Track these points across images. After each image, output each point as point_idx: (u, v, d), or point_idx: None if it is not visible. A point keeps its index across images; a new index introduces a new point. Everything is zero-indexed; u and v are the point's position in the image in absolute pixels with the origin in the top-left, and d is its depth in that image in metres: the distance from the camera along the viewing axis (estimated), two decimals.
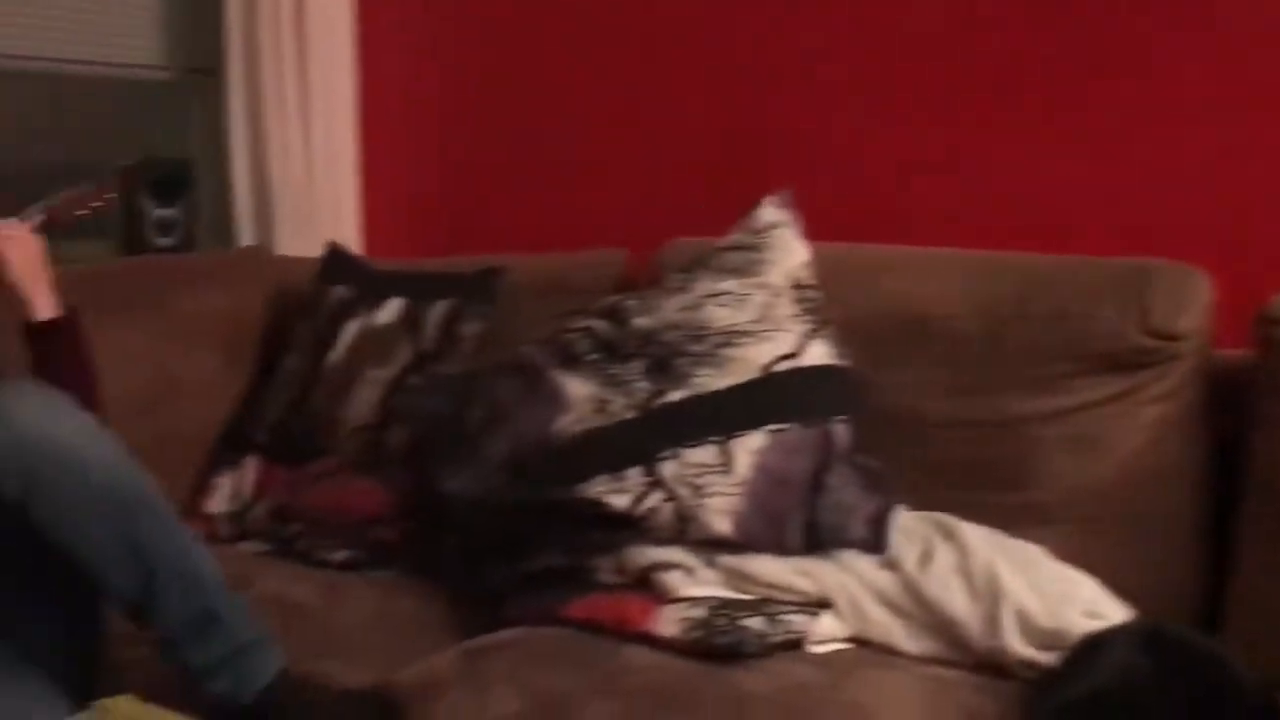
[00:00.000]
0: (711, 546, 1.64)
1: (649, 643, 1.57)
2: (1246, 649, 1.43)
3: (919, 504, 1.69)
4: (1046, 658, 1.49)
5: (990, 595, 1.56)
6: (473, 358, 2.13)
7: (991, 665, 1.52)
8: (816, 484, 1.66)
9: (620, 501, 1.67)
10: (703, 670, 1.51)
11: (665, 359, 1.79)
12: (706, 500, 1.64)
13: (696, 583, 1.62)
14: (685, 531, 1.66)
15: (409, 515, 1.99)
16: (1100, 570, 1.58)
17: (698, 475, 1.66)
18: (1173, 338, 1.65)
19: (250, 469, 2.23)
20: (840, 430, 1.71)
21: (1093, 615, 1.53)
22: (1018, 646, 1.49)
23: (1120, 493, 1.65)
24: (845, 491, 1.67)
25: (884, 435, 1.74)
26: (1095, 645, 1.45)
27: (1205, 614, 1.58)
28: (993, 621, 1.53)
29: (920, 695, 1.45)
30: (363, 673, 1.62)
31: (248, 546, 2.09)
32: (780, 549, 1.64)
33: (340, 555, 1.95)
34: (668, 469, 1.66)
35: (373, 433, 2.12)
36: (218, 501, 2.21)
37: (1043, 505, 1.66)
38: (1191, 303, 1.66)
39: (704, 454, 1.67)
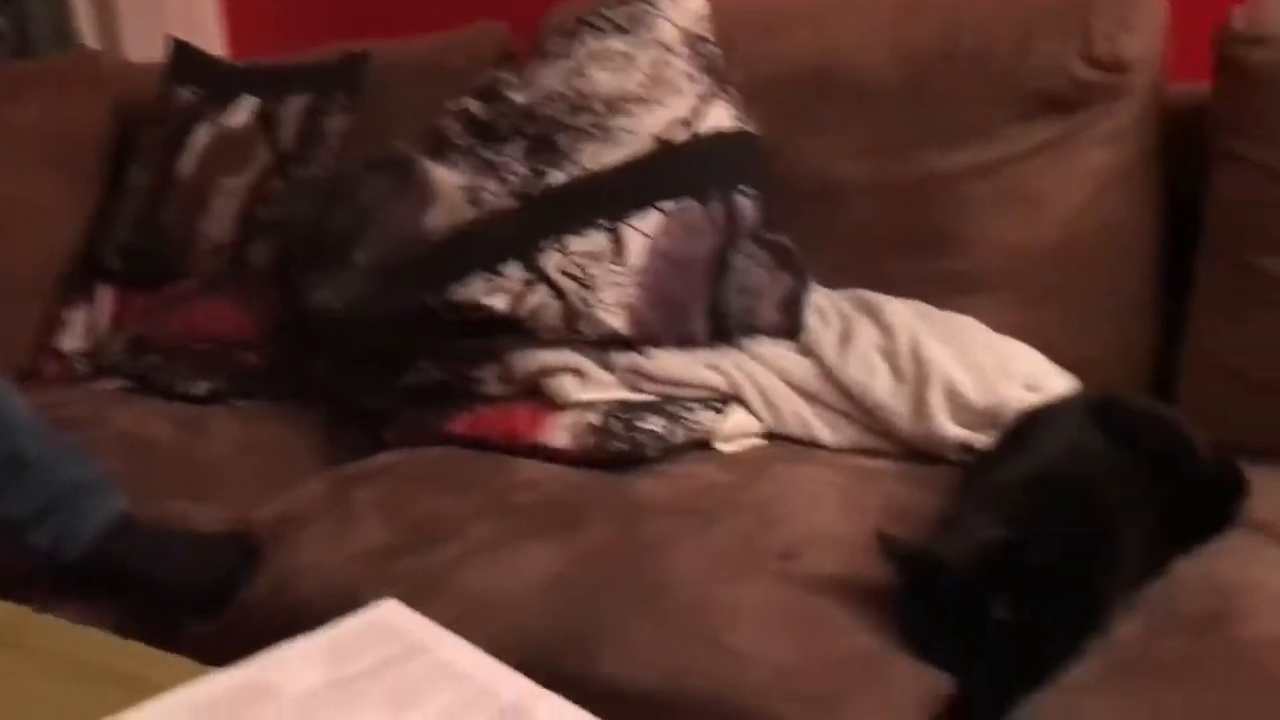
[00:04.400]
0: (606, 345, 1.49)
1: (539, 455, 1.42)
2: (1201, 415, 1.29)
3: (837, 281, 1.56)
4: (981, 438, 1.33)
5: (917, 375, 1.39)
6: (338, 157, 1.88)
7: (921, 451, 1.38)
8: (720, 266, 1.50)
9: (499, 302, 1.48)
10: (598, 479, 1.35)
11: (545, 137, 1.57)
12: (597, 293, 1.47)
13: (590, 386, 1.48)
14: (575, 330, 1.49)
15: (276, 337, 1.79)
16: (1041, 340, 1.45)
17: (585, 266, 1.49)
18: (1119, 67, 1.44)
19: (104, 299, 2.00)
20: (744, 204, 1.52)
21: (1032, 389, 1.38)
22: (949, 428, 1.35)
23: (1061, 254, 1.49)
24: (753, 273, 1.50)
25: (795, 206, 1.56)
26: (1035, 421, 1.29)
27: (1158, 382, 1.45)
28: (920, 403, 1.38)
29: (839, 489, 1.30)
30: (221, 511, 1.44)
31: (106, 384, 1.87)
32: (682, 341, 1.49)
33: (203, 386, 1.75)
34: (551, 262, 1.49)
35: (232, 249, 1.89)
36: (71, 337, 1.98)
37: (975, 273, 1.50)
38: (1141, 24, 1.44)
39: (591, 241, 1.50)
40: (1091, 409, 1.26)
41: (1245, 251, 1.35)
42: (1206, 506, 1.19)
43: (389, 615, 0.84)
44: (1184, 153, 1.46)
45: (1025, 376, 1.40)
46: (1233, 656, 0.99)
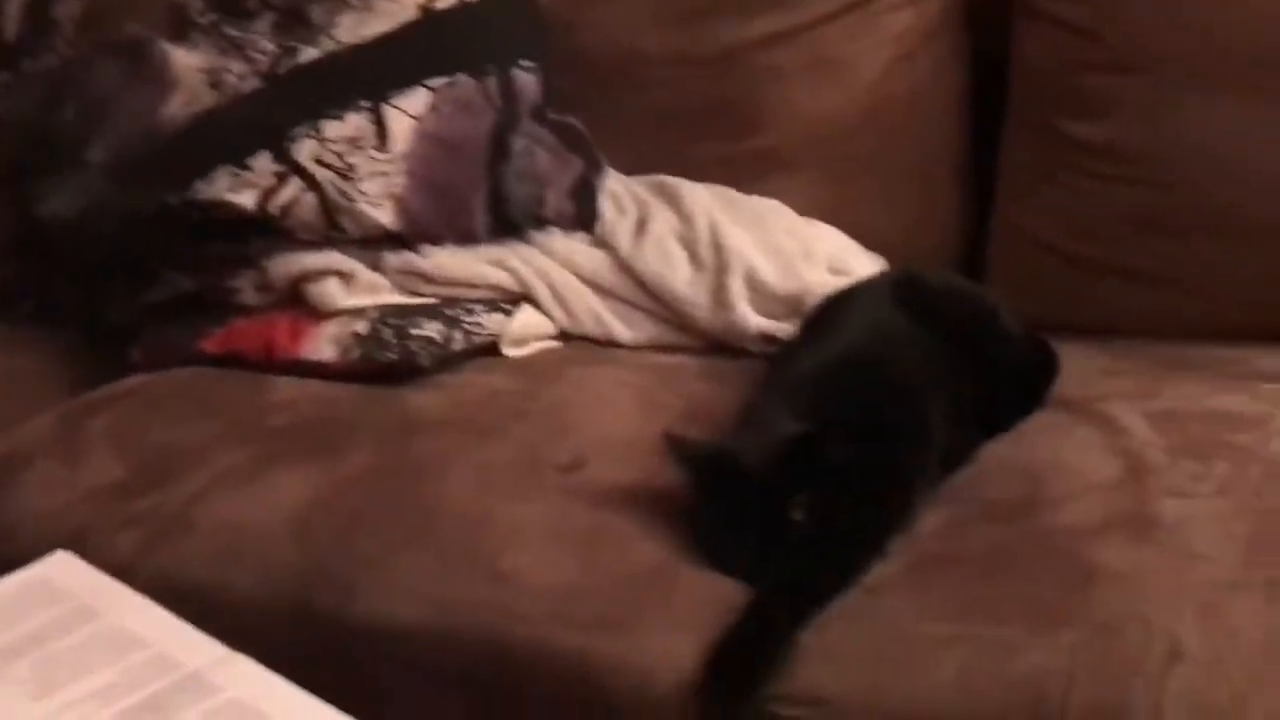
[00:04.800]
0: (375, 244, 1.33)
1: (301, 371, 1.28)
2: (1010, 291, 1.24)
3: (632, 165, 1.43)
4: (785, 328, 1.24)
5: (716, 263, 1.30)
6: (73, 45, 1.64)
7: (724, 345, 1.29)
8: (499, 150, 1.35)
9: (247, 199, 1.31)
10: (365, 396, 1.22)
11: (296, 9, 1.40)
12: (358, 185, 1.31)
13: (358, 290, 1.32)
14: (337, 228, 1.32)
15: (9, 253, 1.56)
16: (849, 220, 1.37)
17: (344, 154, 1.32)
18: None
19: None
20: (524, 79, 1.37)
21: (837, 272, 1.30)
22: (751, 318, 1.27)
23: (867, 124, 1.39)
24: (537, 157, 1.36)
25: (583, 82, 1.42)
26: (838, 305, 1.21)
27: (968, 260, 1.38)
28: (721, 292, 1.28)
29: (636, 390, 1.20)
30: None
31: None
32: (461, 237, 1.34)
33: None
34: (304, 150, 1.32)
35: None
36: None
37: (780, 150, 1.40)
38: None
39: (349, 126, 1.33)
40: (895, 289, 1.19)
41: (1050, 115, 1.28)
42: (1016, 386, 1.13)
43: (56, 572, 0.69)
44: (989, 14, 1.37)
45: (830, 259, 1.31)
46: (1045, 545, 0.92)
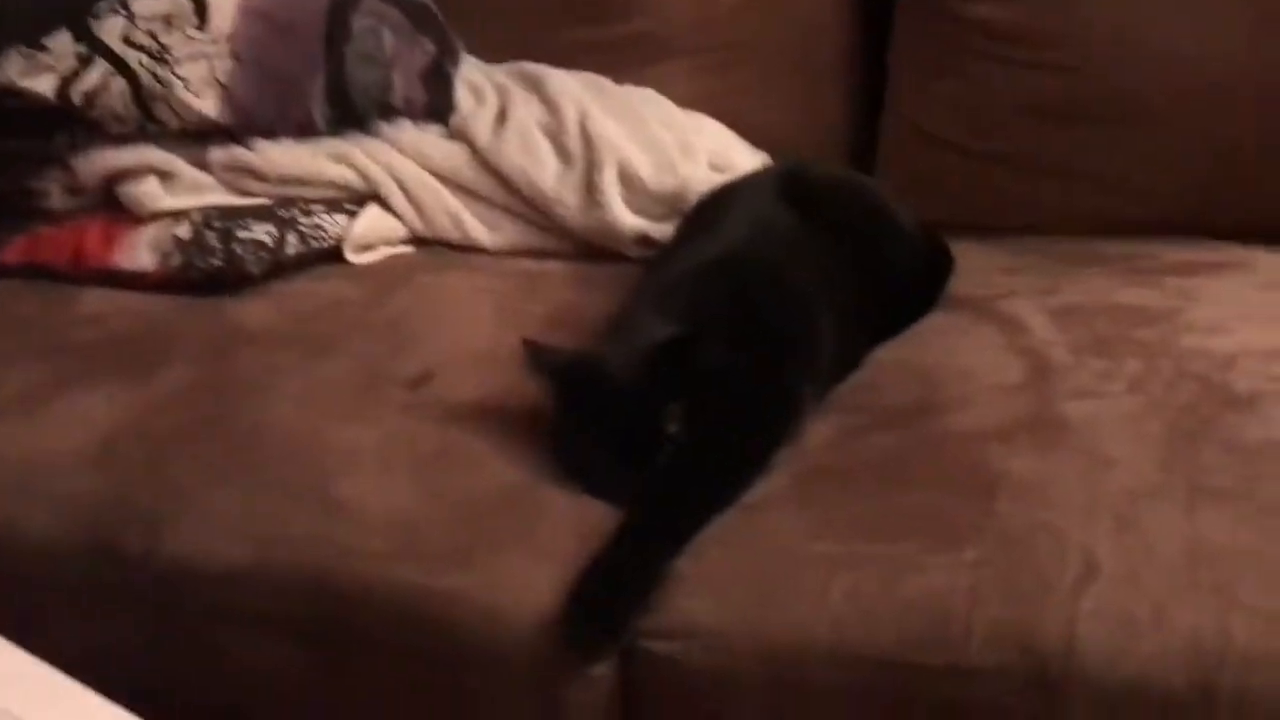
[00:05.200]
0: (200, 137, 1.20)
1: (115, 282, 1.14)
2: (901, 188, 1.15)
3: (492, 53, 1.31)
4: (662, 229, 1.13)
5: (586, 156, 1.19)
6: None
7: (597, 248, 1.18)
8: (339, 29, 1.21)
9: (44, 85, 1.18)
10: (187, 307, 1.09)
11: None
12: (175, 68, 1.18)
13: (179, 190, 1.19)
14: (154, 120, 1.19)
15: None
16: (728, 113, 1.27)
17: (157, 33, 1.19)
18: None
19: None
20: None
21: (718, 169, 1.20)
22: (625, 217, 1.18)
23: (751, 12, 1.30)
24: (383, 37, 1.23)
25: None
26: (719, 202, 1.11)
27: (859, 156, 1.30)
28: (591, 189, 1.18)
29: (497, 298, 1.10)
30: None
31: None
32: (297, 129, 1.21)
33: None
34: (110, 28, 1.19)
35: None
36: None
37: (655, 35, 1.30)
38: None
39: (163, 1, 1.19)
40: (781, 183, 1.09)
41: None
42: (909, 286, 1.05)
43: None
44: None
45: (710, 154, 1.22)
46: (942, 453, 0.83)
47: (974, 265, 1.09)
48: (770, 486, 0.82)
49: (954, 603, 0.70)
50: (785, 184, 1.09)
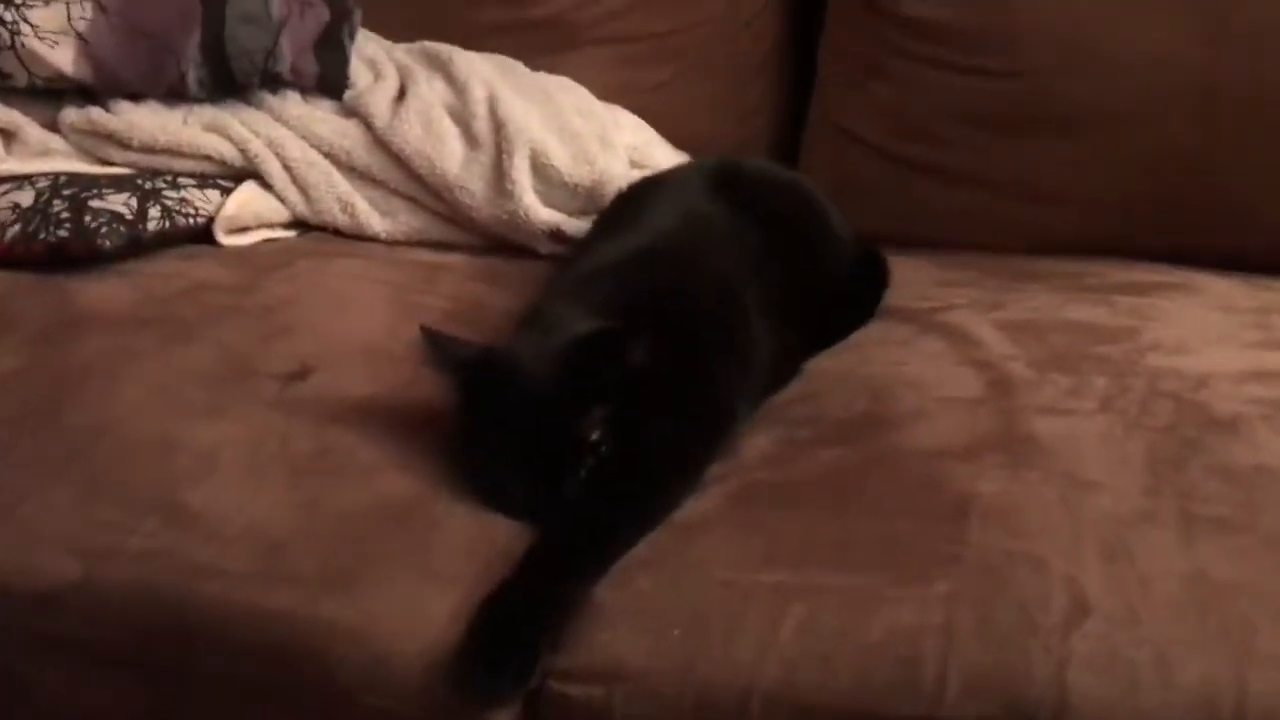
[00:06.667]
0: (50, 94, 1.11)
1: None
2: (827, 191, 1.05)
3: (398, 31, 1.22)
4: (579, 224, 1.03)
5: (496, 141, 1.10)
6: None
7: (505, 241, 1.08)
8: None
9: None
10: (27, 285, 0.96)
11: None
12: (30, 21, 1.06)
13: (24, 152, 1.09)
14: (4, 74, 1.05)
15: None
16: (649, 109, 1.19)
17: None
18: None
19: None
20: None
21: (638, 165, 1.11)
22: (537, 210, 1.08)
23: (674, 1, 1.23)
24: None
25: None
26: (641, 197, 1.03)
27: (781, 160, 1.21)
28: (500, 176, 1.08)
29: (387, 289, 0.99)
30: None
31: None
32: (168, 91, 1.12)
33: None
34: None
35: None
36: None
37: (572, 23, 1.23)
38: None
39: None
40: (711, 177, 1.01)
41: None
42: (846, 293, 0.97)
43: None
44: None
45: (630, 149, 1.12)
46: (897, 469, 0.74)
47: (906, 278, 1.01)
48: (704, 504, 0.72)
49: (925, 643, 0.60)
50: (716, 178, 1.00)
